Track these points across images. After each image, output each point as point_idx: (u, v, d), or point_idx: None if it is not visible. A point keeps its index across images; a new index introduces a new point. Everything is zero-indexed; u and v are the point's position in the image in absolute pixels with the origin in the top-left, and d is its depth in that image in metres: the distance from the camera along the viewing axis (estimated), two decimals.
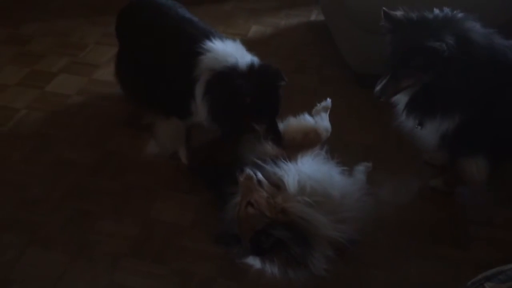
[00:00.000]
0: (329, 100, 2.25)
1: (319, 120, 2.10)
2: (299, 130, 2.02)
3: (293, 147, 1.95)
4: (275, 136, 1.99)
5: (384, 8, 1.83)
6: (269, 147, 1.97)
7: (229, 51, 1.99)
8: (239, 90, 1.87)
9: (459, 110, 1.80)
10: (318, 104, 2.23)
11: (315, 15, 3.64)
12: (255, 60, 1.99)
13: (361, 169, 2.10)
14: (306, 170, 1.79)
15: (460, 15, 1.76)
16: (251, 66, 1.94)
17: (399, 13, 1.81)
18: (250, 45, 3.16)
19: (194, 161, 2.25)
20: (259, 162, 1.85)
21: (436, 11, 1.77)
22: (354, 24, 2.71)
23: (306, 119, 2.07)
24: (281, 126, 2.04)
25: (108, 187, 2.19)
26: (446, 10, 1.77)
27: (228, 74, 1.92)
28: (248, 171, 1.74)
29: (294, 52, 3.20)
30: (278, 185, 1.75)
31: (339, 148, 2.08)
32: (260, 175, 1.76)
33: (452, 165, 2.05)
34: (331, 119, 2.17)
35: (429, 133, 1.92)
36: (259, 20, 3.56)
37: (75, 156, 2.34)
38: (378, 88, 1.82)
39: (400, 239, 1.97)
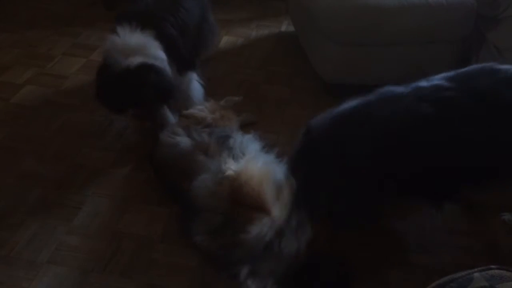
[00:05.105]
0: None
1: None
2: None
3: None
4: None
5: None
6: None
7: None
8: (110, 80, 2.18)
9: None
10: None
11: (286, 26, 3.69)
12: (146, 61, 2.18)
13: None
14: None
15: None
16: (138, 66, 2.17)
17: None
18: (221, 55, 3.23)
19: (163, 171, 2.22)
20: None
21: None
22: (323, 35, 2.75)
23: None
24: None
25: (75, 200, 2.14)
26: None
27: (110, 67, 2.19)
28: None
29: (265, 62, 3.22)
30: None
31: None
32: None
33: None
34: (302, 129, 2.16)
35: None
36: (231, 31, 3.58)
37: (42, 169, 2.28)
38: None
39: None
